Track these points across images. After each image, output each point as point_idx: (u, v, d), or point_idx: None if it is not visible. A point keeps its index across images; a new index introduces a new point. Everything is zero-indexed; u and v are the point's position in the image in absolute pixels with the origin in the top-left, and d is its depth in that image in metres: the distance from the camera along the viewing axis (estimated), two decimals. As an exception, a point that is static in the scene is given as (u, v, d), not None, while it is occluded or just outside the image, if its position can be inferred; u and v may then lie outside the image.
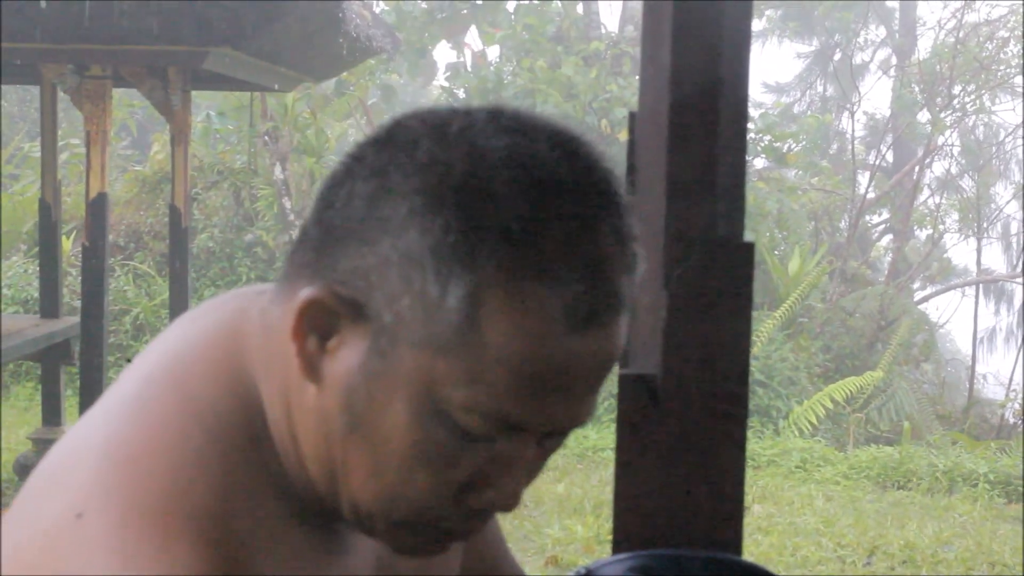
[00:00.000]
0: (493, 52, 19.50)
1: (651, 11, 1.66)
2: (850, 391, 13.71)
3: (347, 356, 1.00)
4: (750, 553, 8.62)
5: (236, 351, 1.09)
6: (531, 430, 0.99)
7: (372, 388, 0.99)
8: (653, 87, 1.62)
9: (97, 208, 10.03)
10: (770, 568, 1.39)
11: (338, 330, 1.01)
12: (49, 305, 10.40)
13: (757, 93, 26.53)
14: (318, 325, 1.01)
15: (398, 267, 0.97)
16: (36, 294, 13.77)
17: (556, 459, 11.48)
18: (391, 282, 0.97)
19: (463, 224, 0.95)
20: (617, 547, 1.54)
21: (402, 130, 1.02)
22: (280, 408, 1.06)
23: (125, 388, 1.09)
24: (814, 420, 13.18)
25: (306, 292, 1.01)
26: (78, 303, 10.90)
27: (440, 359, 0.96)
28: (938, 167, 22.03)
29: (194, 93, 12.48)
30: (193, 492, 0.99)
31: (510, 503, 1.01)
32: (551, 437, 1.03)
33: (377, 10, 17.67)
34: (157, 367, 1.10)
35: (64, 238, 14.23)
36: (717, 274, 1.55)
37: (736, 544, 1.55)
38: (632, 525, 1.55)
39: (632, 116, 1.70)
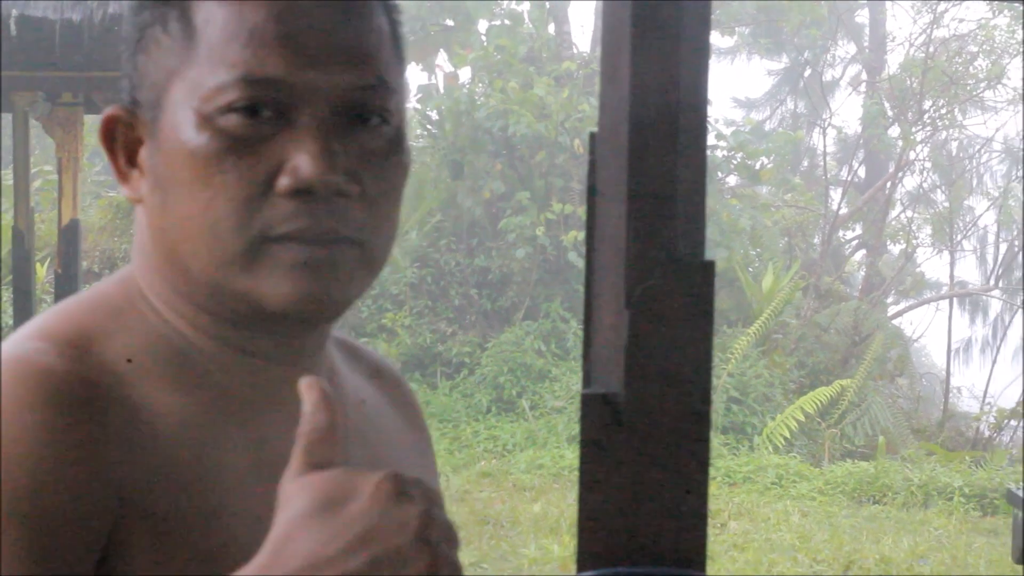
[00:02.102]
0: (465, 74, 19.55)
1: (609, 32, 1.67)
2: (821, 402, 13.75)
3: (147, 153, 1.15)
4: (726, 570, 8.64)
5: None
6: (289, 96, 1.10)
7: (163, 149, 1.12)
8: (612, 107, 1.63)
9: (70, 235, 10.01)
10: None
11: (141, 140, 1.15)
12: (22, 332, 10.37)
13: (727, 109, 26.66)
14: (123, 141, 1.17)
15: (136, 52, 1.15)
16: (11, 322, 13.70)
17: (533, 479, 11.48)
18: (138, 64, 1.15)
19: None
20: (582, 566, 1.54)
21: None
22: (142, 262, 1.18)
23: None
24: (787, 434, 13.21)
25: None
26: (51, 330, 10.83)
27: (185, 72, 1.11)
28: (910, 182, 22.16)
29: (165, 118, 12.46)
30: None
31: (309, 172, 1.08)
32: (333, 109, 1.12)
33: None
34: None
35: (38, 265, 14.17)
36: (678, 293, 1.56)
37: (700, 562, 1.56)
38: (597, 544, 1.56)
39: (592, 136, 1.71)
